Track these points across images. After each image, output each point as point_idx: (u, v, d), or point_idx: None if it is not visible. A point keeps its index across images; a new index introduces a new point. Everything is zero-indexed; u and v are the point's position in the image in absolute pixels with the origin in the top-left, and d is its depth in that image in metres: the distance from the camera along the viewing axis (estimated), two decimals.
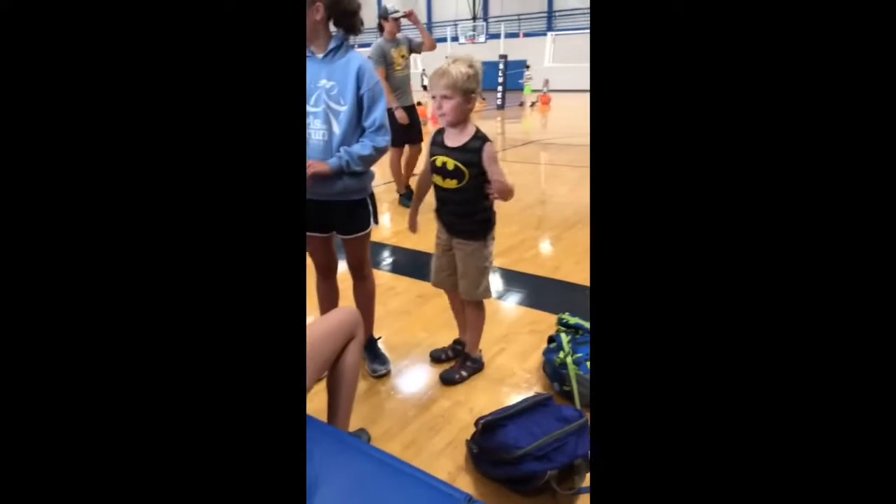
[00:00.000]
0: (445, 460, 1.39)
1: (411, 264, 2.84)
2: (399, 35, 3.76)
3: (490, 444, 1.29)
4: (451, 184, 1.53)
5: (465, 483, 1.31)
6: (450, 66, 1.42)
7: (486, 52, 15.01)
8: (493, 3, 20.93)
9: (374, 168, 1.61)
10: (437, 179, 1.56)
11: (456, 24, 18.90)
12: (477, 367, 1.78)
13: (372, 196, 1.66)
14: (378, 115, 1.50)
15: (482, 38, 17.23)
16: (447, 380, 1.72)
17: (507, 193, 1.50)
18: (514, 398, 1.61)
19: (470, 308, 1.74)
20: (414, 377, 1.79)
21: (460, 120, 1.48)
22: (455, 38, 17.07)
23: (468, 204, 1.55)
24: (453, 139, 1.52)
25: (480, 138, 1.49)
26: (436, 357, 1.86)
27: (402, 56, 3.71)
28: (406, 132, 3.74)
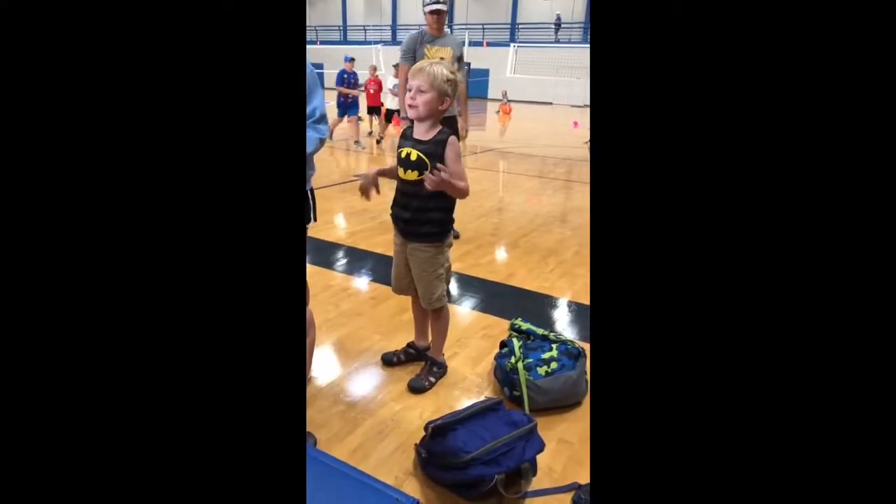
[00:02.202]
0: (393, 465, 1.37)
1: (365, 265, 2.80)
2: (448, 33, 3.02)
3: (439, 448, 1.28)
4: (412, 175, 1.52)
5: (412, 488, 1.29)
6: (433, 65, 1.45)
7: None
8: (458, 10, 21.13)
9: (315, 161, 1.58)
10: (400, 171, 1.55)
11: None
12: (442, 371, 1.77)
13: (311, 191, 1.62)
14: (318, 103, 1.47)
15: None
16: (416, 388, 1.69)
17: (453, 189, 1.47)
18: (464, 402, 1.61)
19: (432, 315, 1.73)
20: (364, 380, 1.76)
21: (430, 116, 1.48)
22: None
23: (427, 200, 1.52)
24: (422, 133, 1.52)
25: (447, 133, 1.51)
26: (387, 360, 1.83)
27: (442, 59, 2.93)
28: None
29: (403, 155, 1.53)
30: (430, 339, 1.81)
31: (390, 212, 1.62)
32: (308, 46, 1.52)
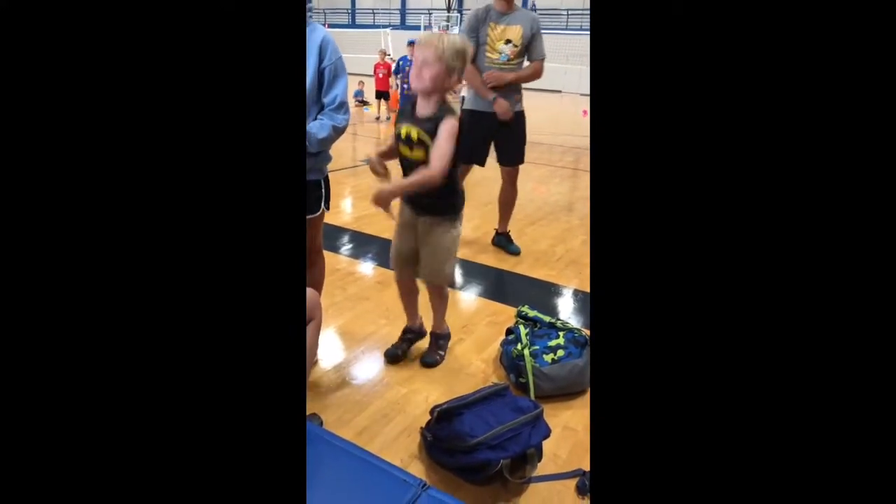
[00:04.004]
0: (398, 448, 1.38)
1: (371, 250, 2.79)
2: (519, 10, 2.38)
3: (445, 432, 1.28)
4: (419, 154, 1.46)
5: (417, 471, 1.30)
6: (441, 36, 1.40)
7: None
8: None
9: (331, 151, 1.56)
10: (405, 150, 1.49)
11: (430, 13, 18.72)
12: (447, 338, 1.81)
13: (326, 179, 1.59)
14: (339, 91, 1.43)
15: (456, 30, 17.15)
16: (430, 363, 1.73)
17: (426, 178, 1.40)
18: (470, 388, 1.61)
19: (432, 293, 1.70)
20: (370, 364, 1.77)
21: (436, 90, 1.42)
22: (428, 27, 16.92)
23: None
24: (424, 109, 1.45)
25: (446, 110, 1.42)
26: (393, 356, 1.76)
27: (509, 41, 2.36)
28: (471, 146, 2.32)
29: (403, 134, 1.47)
30: (421, 318, 1.81)
31: None
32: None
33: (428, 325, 1.82)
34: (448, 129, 1.40)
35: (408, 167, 1.52)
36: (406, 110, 1.51)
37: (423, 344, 1.82)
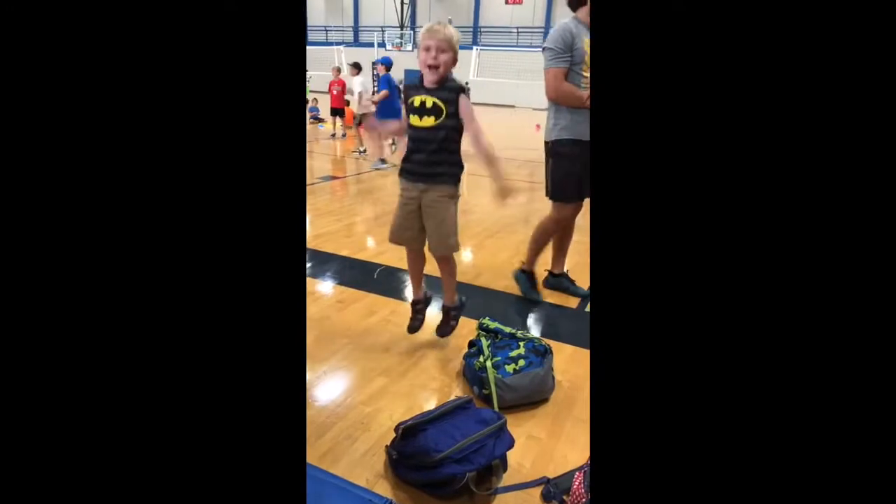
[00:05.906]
0: (364, 468, 1.36)
1: (330, 268, 2.77)
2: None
3: (410, 448, 1.28)
4: (428, 121, 1.64)
5: (383, 490, 1.29)
6: (445, 26, 1.60)
7: (413, 60, 15.10)
8: (420, 12, 21.15)
9: None
10: (415, 119, 1.66)
11: (383, 31, 18.87)
12: (459, 309, 1.94)
13: None
14: None
15: (409, 47, 17.34)
16: (445, 335, 1.89)
17: (489, 146, 1.67)
18: (434, 403, 1.61)
19: (443, 263, 1.84)
20: (332, 384, 1.74)
21: (446, 73, 1.63)
22: (382, 44, 17.04)
23: (443, 143, 1.65)
24: (433, 83, 1.64)
25: (455, 81, 1.66)
26: (414, 329, 1.95)
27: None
28: (579, 180, 2.14)
29: (418, 103, 1.64)
30: (424, 287, 1.96)
31: (401, 166, 1.75)
32: None
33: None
34: (468, 101, 1.66)
35: (417, 135, 1.68)
36: (416, 84, 1.68)
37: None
